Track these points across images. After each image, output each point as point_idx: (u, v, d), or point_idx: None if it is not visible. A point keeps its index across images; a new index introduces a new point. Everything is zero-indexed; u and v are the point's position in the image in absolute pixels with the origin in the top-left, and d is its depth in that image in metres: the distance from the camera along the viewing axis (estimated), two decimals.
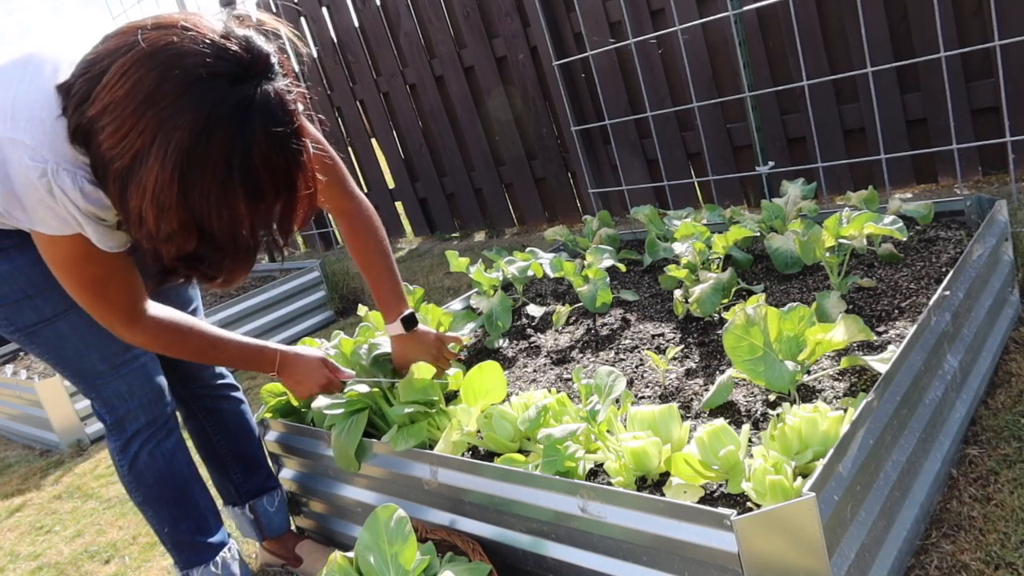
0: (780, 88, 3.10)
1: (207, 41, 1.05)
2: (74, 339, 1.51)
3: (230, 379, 1.85)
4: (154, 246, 1.12)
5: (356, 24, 5.00)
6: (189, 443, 1.76)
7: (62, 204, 1.19)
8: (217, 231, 1.09)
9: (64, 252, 1.30)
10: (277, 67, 1.10)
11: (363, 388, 1.69)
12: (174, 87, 1.03)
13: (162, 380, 1.63)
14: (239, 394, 1.86)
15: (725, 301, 1.97)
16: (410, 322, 1.77)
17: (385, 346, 1.85)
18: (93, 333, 1.51)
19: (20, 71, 1.24)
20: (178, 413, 1.77)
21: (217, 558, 1.69)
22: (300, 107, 1.13)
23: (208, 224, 1.08)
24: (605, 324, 2.16)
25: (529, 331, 2.27)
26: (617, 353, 1.96)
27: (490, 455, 1.59)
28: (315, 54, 5.34)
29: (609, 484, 1.33)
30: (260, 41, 1.09)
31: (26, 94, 1.20)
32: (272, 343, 1.65)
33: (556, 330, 2.21)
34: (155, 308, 1.47)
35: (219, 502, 1.93)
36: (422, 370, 1.67)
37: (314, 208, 1.21)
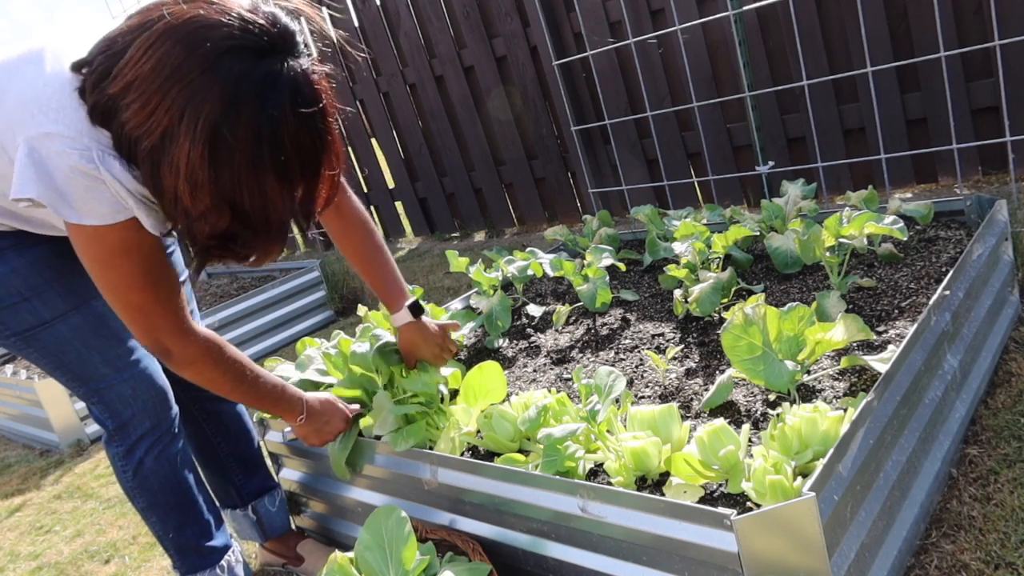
0: (780, 88, 3.10)
1: (234, 15, 1.05)
2: (75, 342, 1.47)
3: None
4: (189, 225, 1.11)
5: (356, 24, 5.00)
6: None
7: (113, 189, 1.15)
8: (249, 209, 1.10)
9: (112, 243, 1.22)
10: (302, 46, 1.10)
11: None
12: (201, 60, 1.02)
13: (166, 383, 1.60)
14: None
15: (725, 301, 1.98)
16: (417, 309, 1.73)
17: (386, 338, 1.84)
18: (95, 335, 1.48)
19: (34, 65, 1.20)
20: None
21: (222, 561, 1.68)
22: (326, 87, 1.13)
23: (240, 202, 1.08)
24: (605, 324, 2.16)
25: (529, 331, 2.27)
26: (617, 353, 1.96)
27: (490, 455, 1.59)
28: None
29: (609, 484, 1.33)
30: (286, 18, 1.09)
31: (48, 85, 1.17)
32: (293, 387, 1.57)
33: (556, 330, 2.21)
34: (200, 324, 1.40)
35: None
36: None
37: (336, 190, 1.21)
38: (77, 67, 1.16)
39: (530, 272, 2.42)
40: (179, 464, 1.63)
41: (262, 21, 1.06)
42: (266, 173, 1.07)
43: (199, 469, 1.77)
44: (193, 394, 1.77)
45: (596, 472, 1.45)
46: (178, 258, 1.72)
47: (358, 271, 1.76)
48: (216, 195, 1.07)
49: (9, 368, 3.80)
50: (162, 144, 1.05)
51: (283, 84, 1.06)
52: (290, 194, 1.13)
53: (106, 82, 1.08)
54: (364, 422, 1.67)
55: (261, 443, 1.93)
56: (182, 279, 1.72)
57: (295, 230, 6.21)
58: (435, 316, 2.12)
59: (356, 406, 1.72)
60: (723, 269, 2.11)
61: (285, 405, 1.53)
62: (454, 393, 1.81)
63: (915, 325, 1.45)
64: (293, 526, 2.01)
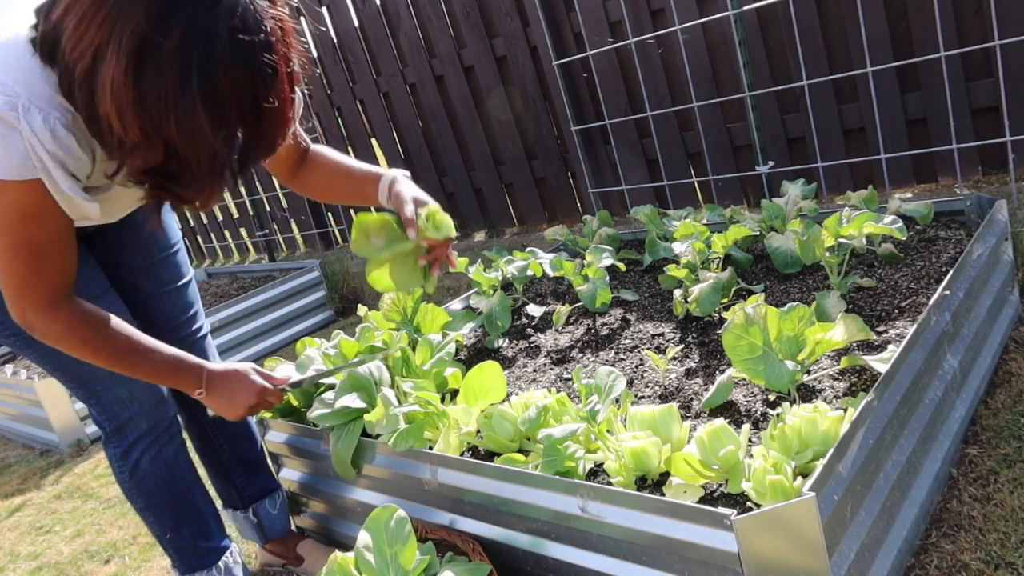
0: (780, 88, 3.10)
1: None
2: None
3: None
4: (124, 157, 1.07)
5: (356, 24, 5.00)
6: (189, 447, 1.75)
7: (29, 142, 1.11)
8: (178, 141, 1.03)
9: (10, 203, 1.16)
10: None
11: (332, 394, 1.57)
12: None
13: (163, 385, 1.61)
14: None
15: (725, 301, 1.98)
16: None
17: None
18: None
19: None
20: (179, 417, 1.76)
21: (220, 563, 1.69)
22: (280, 25, 1.06)
23: (168, 132, 1.02)
24: (605, 324, 2.16)
25: (529, 331, 2.27)
26: (617, 353, 1.96)
27: (490, 455, 1.59)
28: (314, 54, 5.34)
29: (609, 484, 1.33)
30: None
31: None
32: (195, 358, 1.48)
33: (556, 330, 2.21)
34: (82, 301, 1.34)
35: (218, 503, 1.93)
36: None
37: (283, 135, 1.14)
38: (38, 11, 1.13)
39: (530, 272, 2.42)
40: (175, 465, 1.63)
41: None
42: (194, 102, 1.00)
43: (201, 470, 1.77)
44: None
45: (596, 472, 1.45)
46: (183, 258, 1.72)
47: (337, 198, 1.64)
48: (143, 120, 1.01)
49: (9, 368, 3.80)
50: (94, 66, 1.00)
51: (222, 7, 0.99)
52: (223, 130, 1.05)
53: (52, 10, 1.06)
54: (371, 416, 1.66)
55: (263, 445, 1.92)
56: (186, 280, 1.72)
57: (295, 229, 6.21)
58: (435, 316, 2.13)
59: (287, 376, 1.62)
60: (723, 269, 2.11)
61: (181, 377, 1.45)
62: (454, 393, 1.81)
63: (915, 325, 1.45)
64: (293, 526, 2.01)
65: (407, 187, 1.51)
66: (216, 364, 1.51)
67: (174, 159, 1.06)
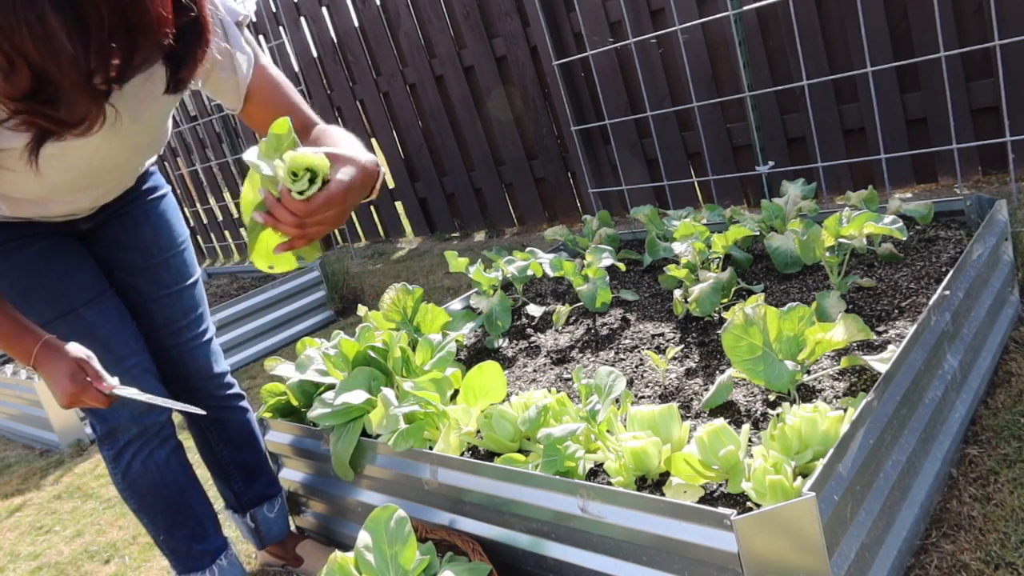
0: (780, 88, 3.10)
1: None
2: None
3: (236, 388, 1.81)
4: None
5: (356, 24, 5.00)
6: (190, 448, 1.75)
7: None
8: (35, 54, 0.95)
9: None
10: None
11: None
12: None
13: (155, 390, 1.58)
14: (244, 403, 1.83)
15: (725, 301, 1.98)
16: None
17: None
18: (82, 343, 1.44)
19: None
20: (179, 418, 1.75)
21: (214, 566, 1.69)
22: None
23: (24, 47, 0.94)
24: (605, 324, 2.16)
25: (529, 331, 2.27)
26: (617, 353, 1.96)
27: (490, 455, 1.59)
28: (315, 54, 5.34)
29: (609, 484, 1.33)
30: None
31: None
32: (41, 331, 1.37)
33: (556, 330, 2.21)
34: None
35: (219, 503, 1.93)
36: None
37: (164, 36, 1.03)
38: None
39: (530, 272, 2.42)
40: (168, 469, 1.62)
41: None
42: (43, 5, 0.92)
43: (197, 472, 1.76)
44: (197, 401, 1.75)
45: (596, 472, 1.45)
46: (188, 260, 1.71)
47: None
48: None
49: (9, 368, 3.80)
50: None
51: None
52: (83, 36, 0.96)
53: None
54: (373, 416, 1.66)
55: (266, 448, 1.92)
56: (189, 282, 1.70)
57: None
58: (435, 316, 2.13)
59: (113, 382, 1.43)
60: (723, 269, 2.11)
61: (13, 347, 1.36)
62: (454, 393, 1.81)
63: (915, 325, 1.45)
64: (293, 527, 2.00)
65: (340, 139, 1.27)
66: (58, 345, 1.36)
67: (46, 82, 0.98)
